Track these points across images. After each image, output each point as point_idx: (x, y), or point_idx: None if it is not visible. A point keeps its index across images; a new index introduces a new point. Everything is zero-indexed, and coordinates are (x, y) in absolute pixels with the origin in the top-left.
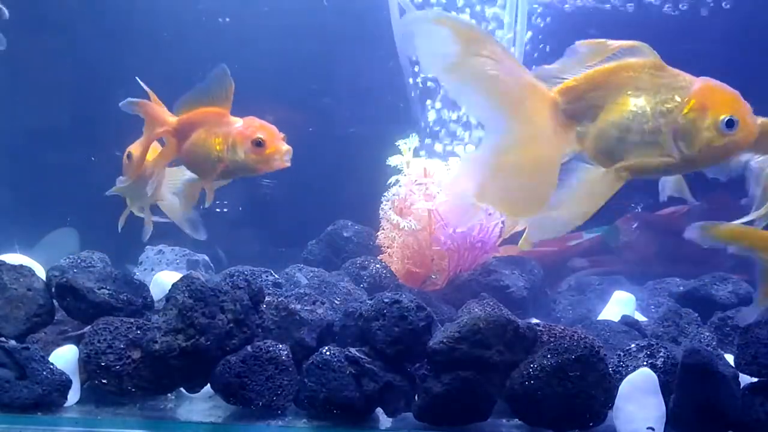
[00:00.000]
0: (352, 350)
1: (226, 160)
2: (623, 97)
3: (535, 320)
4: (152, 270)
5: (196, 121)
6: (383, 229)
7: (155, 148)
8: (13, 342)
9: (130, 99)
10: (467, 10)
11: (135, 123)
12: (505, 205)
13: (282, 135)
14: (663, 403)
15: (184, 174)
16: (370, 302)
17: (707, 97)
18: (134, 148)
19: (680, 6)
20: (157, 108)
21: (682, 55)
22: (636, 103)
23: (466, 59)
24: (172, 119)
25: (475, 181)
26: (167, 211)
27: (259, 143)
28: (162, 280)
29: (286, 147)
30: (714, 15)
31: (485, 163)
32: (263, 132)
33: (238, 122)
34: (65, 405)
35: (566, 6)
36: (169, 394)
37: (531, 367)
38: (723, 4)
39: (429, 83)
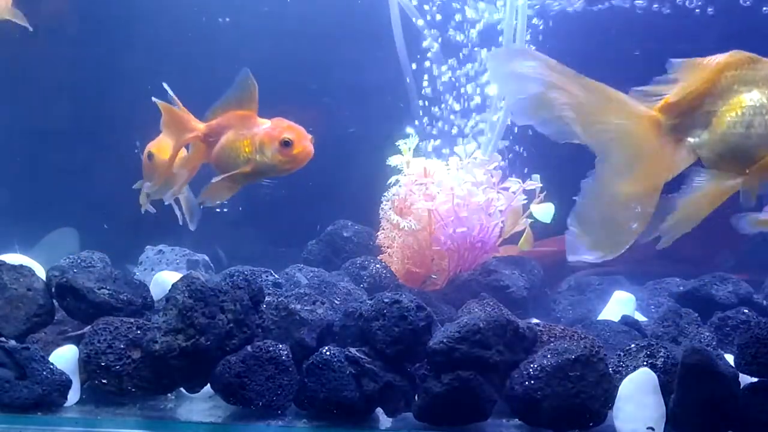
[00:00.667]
0: (352, 350)
1: (254, 162)
2: (735, 97)
3: (535, 320)
4: (152, 270)
5: (224, 125)
6: (383, 229)
7: (162, 143)
8: (13, 342)
9: (158, 100)
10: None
11: (135, 123)
12: (619, 244)
13: (309, 135)
14: (663, 403)
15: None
16: (370, 302)
17: None
18: (155, 148)
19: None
20: (184, 114)
21: (682, 55)
22: (751, 98)
23: (552, 95)
24: (200, 125)
25: (590, 236)
26: (181, 204)
27: (287, 143)
28: (162, 280)
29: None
30: (718, 14)
31: (594, 205)
32: (291, 132)
33: (265, 123)
34: (65, 405)
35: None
36: (169, 394)
37: (531, 367)
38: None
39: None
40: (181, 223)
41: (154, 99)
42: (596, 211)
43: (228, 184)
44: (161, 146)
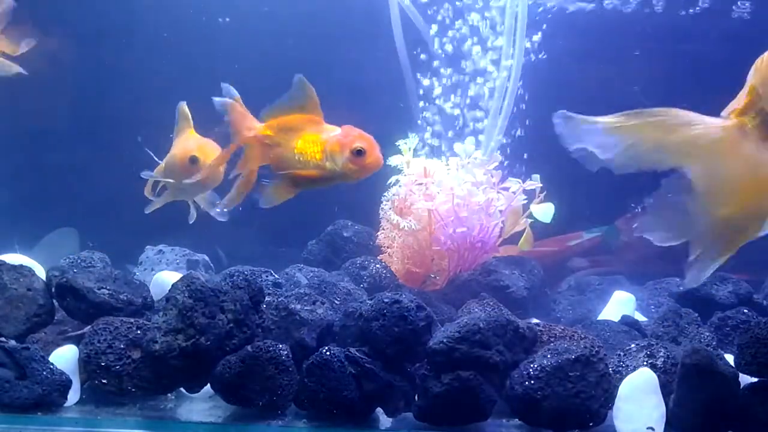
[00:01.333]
0: (352, 350)
1: (324, 169)
2: None
3: (535, 320)
4: (152, 270)
5: (289, 128)
6: (383, 229)
7: (206, 147)
8: (13, 342)
9: (221, 99)
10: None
11: (135, 123)
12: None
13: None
14: (663, 403)
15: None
16: (370, 302)
17: None
18: (199, 152)
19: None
20: (244, 113)
21: (681, 55)
22: None
23: (628, 140)
24: (258, 125)
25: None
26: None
27: (359, 152)
28: (162, 280)
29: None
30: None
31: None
32: (363, 141)
33: (335, 130)
34: (65, 405)
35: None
36: (169, 394)
37: (531, 367)
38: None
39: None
40: (190, 222)
41: (215, 98)
42: (693, 230)
43: (289, 188)
44: (206, 151)
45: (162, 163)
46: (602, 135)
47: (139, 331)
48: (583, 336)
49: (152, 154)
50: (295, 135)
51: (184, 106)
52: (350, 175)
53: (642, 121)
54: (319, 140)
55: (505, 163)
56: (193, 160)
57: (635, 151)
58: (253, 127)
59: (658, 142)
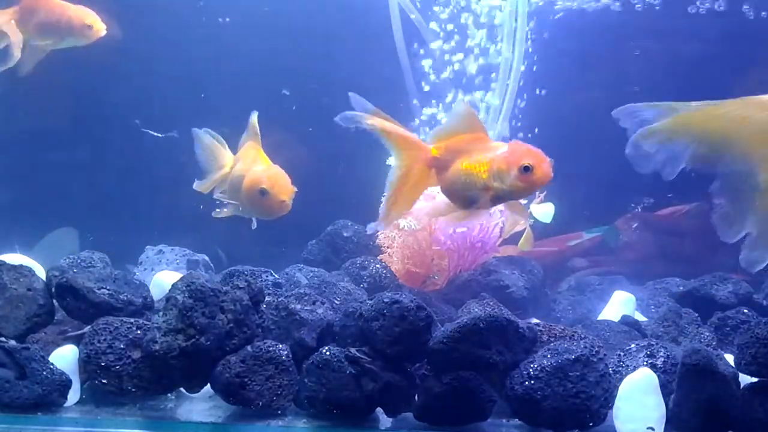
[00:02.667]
0: (352, 350)
1: (492, 188)
2: None
3: (535, 320)
4: (152, 270)
5: (457, 149)
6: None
7: (277, 178)
8: (13, 342)
9: (361, 115)
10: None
11: (135, 122)
12: None
13: (549, 159)
14: (663, 403)
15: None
16: (370, 302)
17: None
18: (268, 185)
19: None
20: (415, 137)
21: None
22: None
23: (699, 142)
24: (431, 149)
25: None
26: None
27: (526, 169)
28: (162, 280)
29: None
30: (712, 15)
31: None
32: (530, 157)
33: (501, 147)
34: (65, 405)
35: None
36: (169, 394)
37: (531, 367)
38: (717, 6)
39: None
40: (253, 228)
41: (368, 122)
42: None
43: (461, 212)
44: (277, 182)
45: (220, 171)
46: (668, 134)
47: (139, 331)
48: (583, 336)
49: (153, 133)
50: (463, 155)
51: (255, 119)
52: (519, 193)
53: (713, 112)
54: (485, 160)
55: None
56: (263, 193)
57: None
58: (423, 148)
59: (727, 134)
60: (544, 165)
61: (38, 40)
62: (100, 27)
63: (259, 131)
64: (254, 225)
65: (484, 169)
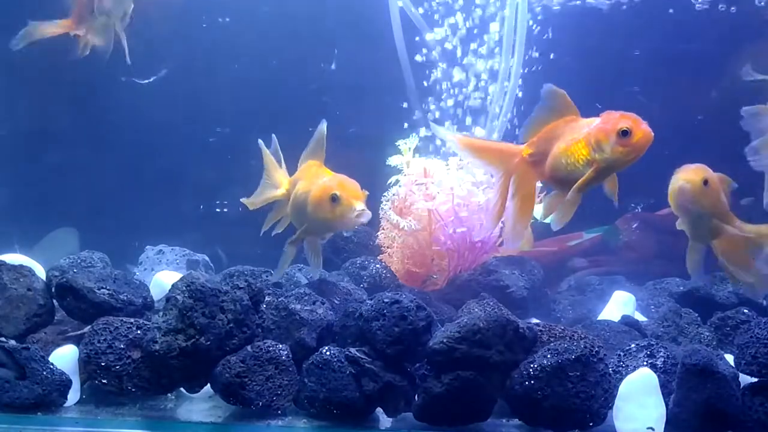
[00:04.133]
0: (352, 350)
1: (595, 162)
2: None
3: (535, 320)
4: (152, 270)
5: (549, 138)
6: (383, 229)
7: (346, 184)
8: (13, 342)
9: (445, 133)
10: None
11: (137, 123)
12: None
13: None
14: (663, 403)
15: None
16: (370, 302)
17: None
18: (342, 190)
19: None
20: (496, 144)
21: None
22: None
23: None
24: (518, 148)
25: None
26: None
27: (624, 133)
28: (162, 280)
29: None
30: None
31: None
32: (626, 121)
33: (594, 121)
34: (65, 405)
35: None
36: (169, 394)
37: (531, 367)
38: (719, 7)
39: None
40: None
41: (452, 137)
42: None
43: (573, 198)
44: (346, 188)
45: (271, 193)
46: None
47: (139, 331)
48: (583, 336)
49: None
50: (556, 141)
51: (323, 131)
52: (623, 160)
53: None
54: (581, 136)
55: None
56: (334, 199)
57: None
58: (514, 152)
59: None
60: (642, 126)
61: None
62: None
63: (324, 146)
64: (280, 229)
65: (582, 145)
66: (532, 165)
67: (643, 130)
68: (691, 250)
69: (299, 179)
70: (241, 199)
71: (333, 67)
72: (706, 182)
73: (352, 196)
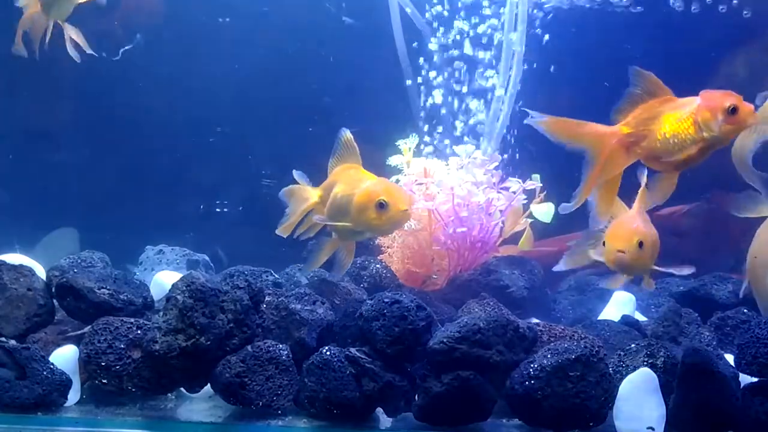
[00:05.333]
0: (352, 350)
1: (703, 140)
2: None
3: (535, 320)
4: (152, 270)
5: (647, 117)
6: None
7: (392, 189)
8: (13, 342)
9: (536, 116)
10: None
11: (137, 123)
12: None
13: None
14: (663, 403)
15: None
16: (370, 302)
17: None
18: (387, 197)
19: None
20: (590, 124)
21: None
22: None
23: None
24: (613, 128)
25: None
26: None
27: (733, 110)
28: (162, 280)
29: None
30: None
31: None
32: (731, 99)
33: (693, 101)
34: (65, 405)
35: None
36: (169, 394)
37: (531, 367)
38: (720, 8)
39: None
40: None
41: (541, 119)
42: None
43: (673, 177)
44: (393, 193)
45: (303, 205)
46: None
47: (139, 331)
48: (583, 336)
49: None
50: (656, 121)
51: (348, 136)
52: (728, 137)
53: None
54: (686, 115)
55: (506, 156)
56: (382, 205)
57: None
58: (609, 132)
59: None
60: (746, 103)
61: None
62: None
63: (357, 150)
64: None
65: (688, 124)
66: (627, 146)
67: (747, 106)
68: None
69: (336, 182)
70: (276, 232)
71: (331, 59)
72: (641, 244)
73: (399, 201)
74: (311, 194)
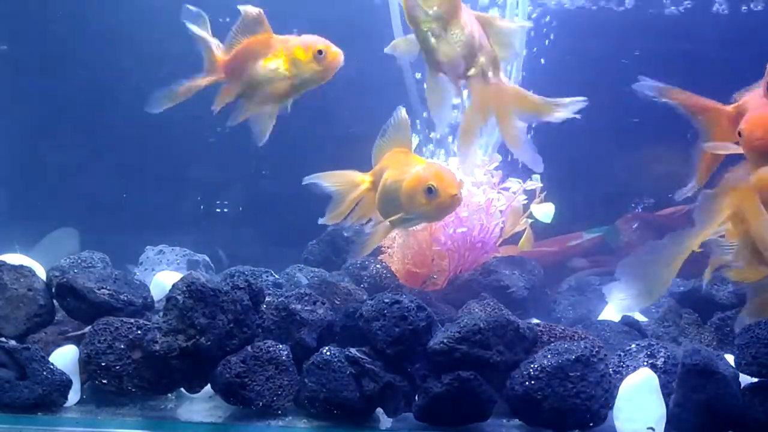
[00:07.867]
0: (353, 350)
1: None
2: None
3: (535, 320)
4: (152, 270)
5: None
6: None
7: (443, 174)
8: (13, 342)
9: (655, 85)
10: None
11: (137, 123)
12: None
13: None
14: (663, 403)
15: None
16: (370, 302)
17: None
18: (438, 181)
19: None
20: (706, 100)
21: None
22: None
23: None
24: (725, 107)
25: None
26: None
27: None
28: (162, 281)
29: None
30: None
31: None
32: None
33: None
34: (65, 405)
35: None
36: (169, 394)
37: (531, 368)
38: (720, 8)
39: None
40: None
41: (666, 93)
42: None
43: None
44: (443, 178)
45: (353, 192)
46: None
47: (139, 332)
48: (583, 336)
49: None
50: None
51: (403, 115)
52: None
53: None
54: None
55: (508, 158)
56: (431, 191)
57: None
58: (723, 108)
59: None
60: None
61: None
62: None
63: (409, 133)
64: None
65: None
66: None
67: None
68: None
69: (386, 168)
70: (320, 221)
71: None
72: None
73: (449, 186)
74: (362, 180)
